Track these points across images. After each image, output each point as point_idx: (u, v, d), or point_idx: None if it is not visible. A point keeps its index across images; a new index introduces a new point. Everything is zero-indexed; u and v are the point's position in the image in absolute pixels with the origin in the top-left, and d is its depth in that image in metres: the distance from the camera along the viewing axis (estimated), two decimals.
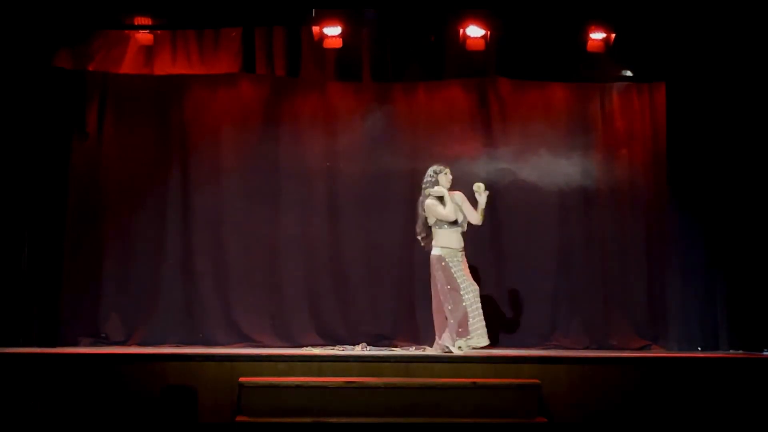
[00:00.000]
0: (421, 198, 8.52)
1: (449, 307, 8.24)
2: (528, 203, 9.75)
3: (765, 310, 9.03)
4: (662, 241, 9.64)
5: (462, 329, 8.17)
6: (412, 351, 8.85)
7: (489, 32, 9.04)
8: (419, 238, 8.56)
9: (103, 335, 9.47)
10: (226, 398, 7.40)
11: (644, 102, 9.99)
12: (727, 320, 9.16)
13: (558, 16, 9.00)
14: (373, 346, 9.29)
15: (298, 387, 7.19)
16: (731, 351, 9.03)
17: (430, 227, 8.45)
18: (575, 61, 9.27)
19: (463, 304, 8.20)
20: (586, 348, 9.59)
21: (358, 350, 8.96)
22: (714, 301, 9.23)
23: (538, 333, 9.73)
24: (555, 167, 9.60)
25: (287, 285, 9.76)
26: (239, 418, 7.14)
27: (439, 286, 8.32)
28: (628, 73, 9.50)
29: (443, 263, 8.30)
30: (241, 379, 7.28)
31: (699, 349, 9.13)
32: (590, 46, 9.09)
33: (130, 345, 9.39)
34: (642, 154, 9.96)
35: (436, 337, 8.43)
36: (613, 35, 9.09)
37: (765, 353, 8.82)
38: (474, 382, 7.31)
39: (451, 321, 8.23)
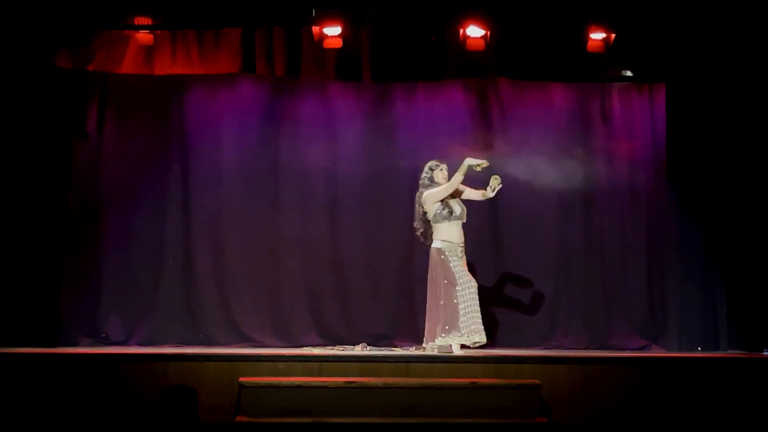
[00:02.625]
0: (417, 194, 8.50)
1: (441, 302, 8.19)
2: (528, 203, 9.76)
3: (765, 310, 9.04)
4: (662, 241, 9.64)
5: (449, 326, 8.13)
6: (412, 351, 8.84)
7: (489, 32, 9.04)
8: (418, 234, 8.55)
9: (103, 335, 9.47)
10: (226, 398, 7.41)
11: (644, 102, 10.00)
12: (727, 320, 9.17)
13: (558, 16, 9.00)
14: (373, 346, 9.29)
15: (298, 387, 7.18)
16: (731, 351, 9.03)
17: (428, 222, 8.43)
18: (575, 61, 9.28)
19: (455, 301, 8.16)
20: (586, 348, 9.60)
21: (358, 350, 8.96)
22: (714, 301, 9.23)
23: (538, 333, 9.73)
24: (555, 167, 9.60)
25: (287, 285, 9.76)
26: (239, 418, 7.14)
27: (436, 280, 8.28)
28: (628, 73, 9.51)
29: (442, 256, 8.27)
30: (241, 379, 7.28)
31: (699, 349, 9.13)
32: (590, 46, 9.09)
33: (130, 345, 9.39)
34: (642, 154, 9.96)
35: (426, 337, 8.35)
36: (613, 35, 9.10)
37: (765, 353, 8.82)
38: (474, 382, 7.30)
39: (441, 317, 8.17)
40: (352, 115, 9.91)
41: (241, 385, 7.22)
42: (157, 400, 7.31)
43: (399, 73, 9.34)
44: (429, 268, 8.39)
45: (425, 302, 9.50)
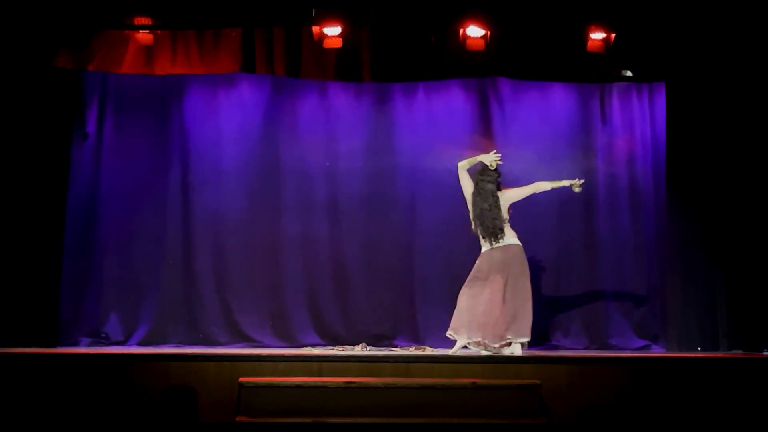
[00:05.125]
0: (498, 193, 8.40)
1: (529, 305, 8.25)
2: (528, 203, 9.71)
3: (765, 310, 9.03)
4: (662, 240, 9.64)
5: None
6: (412, 351, 8.84)
7: (489, 32, 9.03)
8: (497, 231, 8.37)
9: (103, 335, 9.47)
10: (226, 398, 7.40)
11: (644, 102, 10.01)
12: (727, 320, 9.16)
13: (558, 16, 9.00)
14: (373, 346, 9.30)
15: (298, 387, 7.19)
16: (731, 351, 9.03)
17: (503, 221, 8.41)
18: (575, 61, 9.28)
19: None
20: (586, 348, 9.61)
21: (358, 350, 8.96)
22: (714, 301, 9.23)
23: (538, 333, 9.71)
24: (554, 167, 9.60)
25: (287, 285, 9.76)
26: (239, 418, 7.15)
27: (525, 280, 8.28)
28: (628, 73, 9.50)
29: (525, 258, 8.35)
30: (241, 379, 7.28)
31: (699, 349, 9.13)
32: (590, 46, 9.08)
33: (130, 345, 9.40)
34: (642, 154, 9.96)
35: (496, 336, 8.19)
36: (613, 35, 9.09)
37: (765, 353, 8.82)
38: (474, 382, 7.30)
39: (528, 317, 8.22)
40: (352, 115, 9.92)
41: (241, 385, 7.22)
42: (157, 400, 7.31)
43: (399, 73, 9.32)
44: (515, 265, 8.28)
45: (425, 302, 9.55)
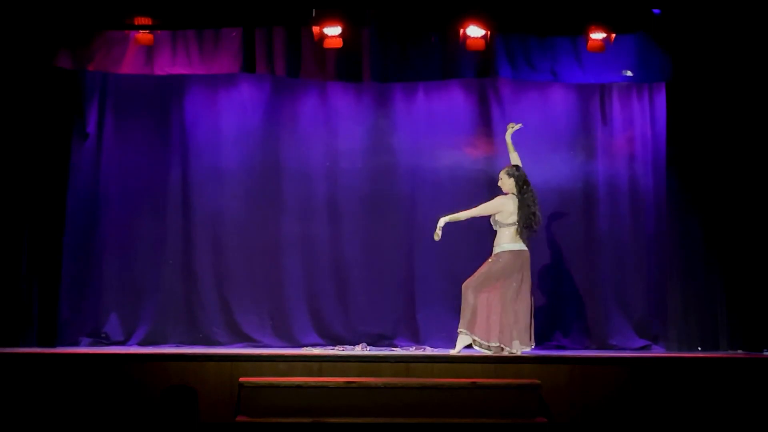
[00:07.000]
0: (528, 193, 8.39)
1: (534, 310, 8.30)
2: None
3: (765, 310, 9.04)
4: (662, 240, 9.64)
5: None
6: (412, 351, 8.84)
7: (489, 32, 9.04)
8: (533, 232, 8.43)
9: (103, 335, 9.47)
10: (226, 398, 7.41)
11: (644, 102, 10.00)
12: (727, 320, 9.16)
13: (558, 16, 9.00)
14: (373, 346, 9.30)
15: (298, 387, 7.19)
16: (731, 351, 9.03)
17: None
18: (574, 61, 9.29)
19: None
20: (586, 348, 9.61)
21: (358, 350, 8.96)
22: (714, 301, 9.23)
23: (538, 333, 9.71)
24: (555, 167, 9.61)
25: (287, 285, 9.76)
26: (239, 418, 7.15)
27: (530, 287, 8.28)
28: (628, 73, 9.51)
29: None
30: (241, 379, 7.28)
31: (699, 349, 9.13)
32: (590, 46, 9.08)
33: (130, 345, 9.40)
34: (642, 154, 9.96)
35: (507, 338, 8.19)
36: (613, 35, 9.09)
37: (765, 353, 8.83)
38: (474, 382, 7.31)
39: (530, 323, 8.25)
40: (352, 115, 9.92)
41: (241, 385, 7.22)
42: (157, 400, 7.32)
43: (399, 73, 9.33)
44: (526, 271, 8.28)
45: (425, 302, 9.54)
